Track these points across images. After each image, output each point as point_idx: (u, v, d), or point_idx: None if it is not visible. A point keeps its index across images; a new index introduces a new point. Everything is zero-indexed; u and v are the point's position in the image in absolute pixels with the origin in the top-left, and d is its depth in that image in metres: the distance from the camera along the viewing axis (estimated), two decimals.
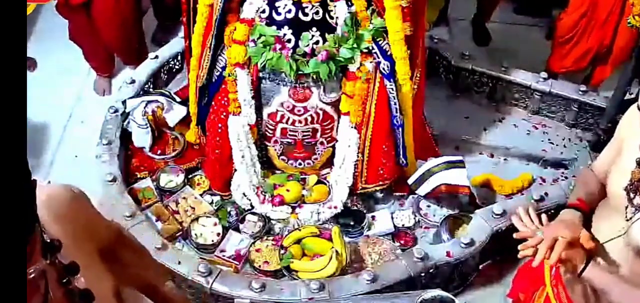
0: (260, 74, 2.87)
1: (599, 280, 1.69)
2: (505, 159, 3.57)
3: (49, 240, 1.08)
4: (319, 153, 3.13)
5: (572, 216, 1.85)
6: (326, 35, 2.77)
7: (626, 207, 1.69)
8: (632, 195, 1.69)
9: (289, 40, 2.76)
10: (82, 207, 1.34)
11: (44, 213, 1.09)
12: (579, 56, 3.80)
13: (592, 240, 1.73)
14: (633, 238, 1.66)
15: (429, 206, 3.21)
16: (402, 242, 3.06)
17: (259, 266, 2.90)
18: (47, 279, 1.15)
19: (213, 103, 3.02)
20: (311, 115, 2.95)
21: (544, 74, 3.72)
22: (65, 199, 1.28)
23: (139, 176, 3.25)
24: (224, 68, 2.90)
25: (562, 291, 1.98)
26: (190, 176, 3.29)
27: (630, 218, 1.68)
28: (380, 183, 3.14)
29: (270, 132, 3.05)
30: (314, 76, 2.80)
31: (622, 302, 1.66)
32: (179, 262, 2.75)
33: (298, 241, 2.95)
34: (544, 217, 1.86)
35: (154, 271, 1.72)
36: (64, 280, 1.15)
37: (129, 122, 3.35)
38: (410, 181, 3.18)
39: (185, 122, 3.39)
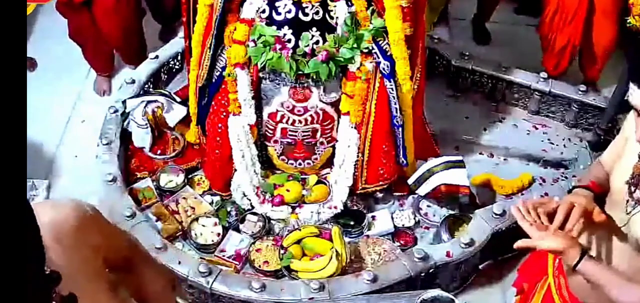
0: (260, 74, 2.87)
1: (593, 274, 1.68)
2: (505, 159, 3.57)
3: (48, 271, 1.02)
4: (319, 153, 3.13)
5: (583, 192, 1.83)
6: (326, 35, 2.77)
7: (627, 201, 1.71)
8: (632, 189, 1.70)
9: (289, 40, 2.76)
10: (90, 230, 1.23)
11: (47, 238, 1.01)
12: (558, 53, 3.82)
13: (602, 213, 1.74)
14: (632, 231, 1.67)
15: (429, 206, 3.22)
16: (402, 242, 3.06)
17: (259, 266, 2.90)
18: None
19: (213, 103, 3.02)
20: (311, 115, 2.95)
21: (544, 74, 3.72)
22: (71, 226, 1.17)
23: (139, 176, 3.25)
24: (224, 68, 2.90)
25: (562, 282, 1.99)
26: (190, 176, 3.29)
27: (630, 212, 1.69)
28: (380, 183, 3.14)
29: (270, 132, 3.05)
30: (314, 76, 2.80)
31: (616, 296, 1.66)
32: (179, 262, 2.76)
33: (298, 241, 2.95)
34: (543, 217, 1.85)
35: (164, 286, 1.62)
36: None
37: (129, 122, 3.35)
38: (410, 181, 3.18)
39: (185, 122, 3.39)
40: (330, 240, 2.90)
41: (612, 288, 1.65)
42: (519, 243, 1.73)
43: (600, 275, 1.67)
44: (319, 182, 3.15)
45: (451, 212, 3.16)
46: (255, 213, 3.10)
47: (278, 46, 2.73)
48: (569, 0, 3.63)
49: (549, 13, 3.74)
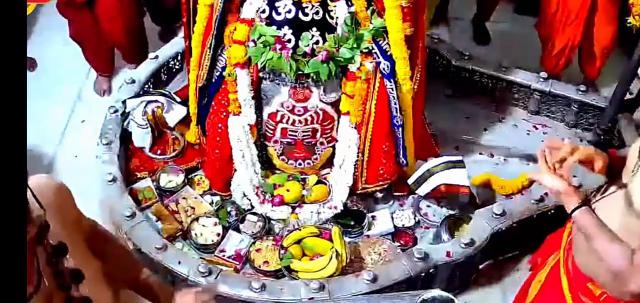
0: (260, 74, 2.87)
1: (584, 225, 1.79)
2: (505, 159, 3.57)
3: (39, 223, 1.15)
4: (319, 153, 3.13)
5: (599, 150, 1.95)
6: (326, 35, 2.77)
7: (635, 163, 1.76)
8: None
9: (289, 40, 2.76)
10: (67, 197, 1.44)
11: (33, 200, 1.17)
12: (558, 53, 3.81)
13: (602, 169, 1.88)
14: (630, 190, 1.74)
15: (429, 206, 3.22)
16: (402, 242, 3.06)
17: (259, 266, 2.90)
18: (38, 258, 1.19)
19: (213, 103, 3.02)
20: (311, 115, 2.95)
21: (544, 74, 3.72)
22: (51, 188, 1.37)
23: (139, 176, 3.25)
24: (224, 68, 2.90)
25: (570, 257, 2.04)
26: (190, 176, 3.29)
27: (634, 172, 1.75)
28: (380, 183, 3.14)
29: (270, 132, 3.05)
30: (314, 76, 2.80)
31: (601, 251, 1.76)
32: (179, 262, 2.76)
33: (298, 241, 2.95)
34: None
35: (130, 261, 1.80)
36: (53, 260, 1.24)
37: (129, 122, 3.35)
38: (410, 181, 3.18)
39: (185, 122, 3.39)
40: (330, 240, 2.90)
41: (599, 242, 1.75)
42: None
43: (591, 229, 1.77)
44: (319, 182, 3.15)
45: (451, 212, 3.16)
46: (255, 213, 3.10)
47: (278, 46, 2.73)
48: (572, 0, 3.63)
49: (548, 13, 3.75)
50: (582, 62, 3.94)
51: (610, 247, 1.74)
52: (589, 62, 3.88)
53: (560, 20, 3.71)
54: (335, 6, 2.77)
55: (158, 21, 4.29)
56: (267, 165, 3.18)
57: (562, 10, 3.67)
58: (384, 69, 2.85)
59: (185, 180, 3.24)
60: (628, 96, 3.48)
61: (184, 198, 3.18)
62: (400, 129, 3.02)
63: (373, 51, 2.82)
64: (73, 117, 3.88)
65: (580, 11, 3.63)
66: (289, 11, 2.75)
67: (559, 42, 3.77)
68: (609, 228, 1.77)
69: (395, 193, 3.27)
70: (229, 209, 3.13)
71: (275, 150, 3.11)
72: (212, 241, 2.99)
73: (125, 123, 3.35)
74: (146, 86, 3.55)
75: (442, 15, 4.45)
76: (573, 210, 1.80)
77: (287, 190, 3.09)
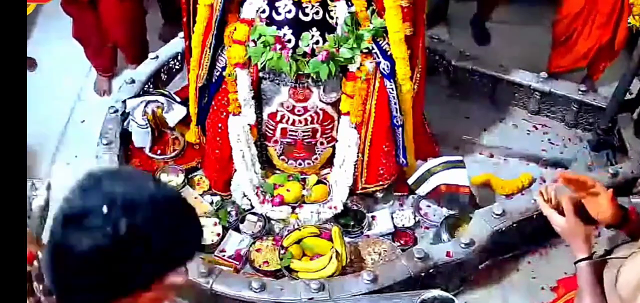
0: (260, 74, 2.87)
1: (583, 280, 1.63)
2: (505, 159, 3.57)
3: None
4: (319, 153, 3.13)
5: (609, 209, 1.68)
6: (326, 35, 2.77)
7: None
8: None
9: (289, 40, 2.76)
10: None
11: None
12: (580, 56, 3.80)
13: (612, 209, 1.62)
14: (620, 270, 1.58)
15: (429, 206, 3.21)
16: (402, 242, 3.06)
17: (259, 266, 2.90)
18: None
19: (213, 103, 3.02)
20: (311, 115, 2.95)
21: (544, 74, 3.71)
22: None
23: None
24: (224, 68, 2.90)
25: None
26: (190, 176, 3.29)
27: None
28: (380, 183, 3.14)
29: (270, 132, 3.05)
30: (314, 76, 2.80)
31: None
32: None
33: (298, 241, 2.95)
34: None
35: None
36: None
37: (129, 122, 3.35)
38: (410, 181, 3.19)
39: (185, 122, 3.39)
40: (330, 240, 2.90)
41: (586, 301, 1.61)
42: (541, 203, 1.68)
43: (586, 288, 1.62)
44: (319, 182, 3.15)
45: (451, 212, 3.16)
46: (255, 213, 3.10)
47: (278, 46, 2.73)
48: (603, 2, 3.59)
49: (571, 12, 3.70)
50: (594, 61, 3.88)
51: None
52: (600, 62, 3.86)
53: (586, 21, 3.66)
54: (335, 6, 2.77)
55: (167, 17, 4.30)
56: (267, 165, 3.18)
57: (588, 11, 3.62)
58: (384, 69, 2.85)
59: (185, 180, 3.23)
60: (628, 96, 3.48)
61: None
62: (400, 129, 3.02)
63: (373, 51, 2.82)
64: (73, 117, 3.88)
65: (612, 13, 3.59)
66: (289, 11, 2.75)
67: (584, 43, 3.72)
68: (602, 293, 1.62)
69: (395, 193, 3.27)
70: (229, 209, 3.13)
71: (275, 150, 3.11)
72: (212, 241, 2.99)
73: (125, 123, 3.35)
74: (146, 86, 3.55)
75: (441, 15, 4.45)
76: (578, 261, 1.63)
77: (287, 190, 3.09)
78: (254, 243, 2.99)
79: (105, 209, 1.05)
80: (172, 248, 1.11)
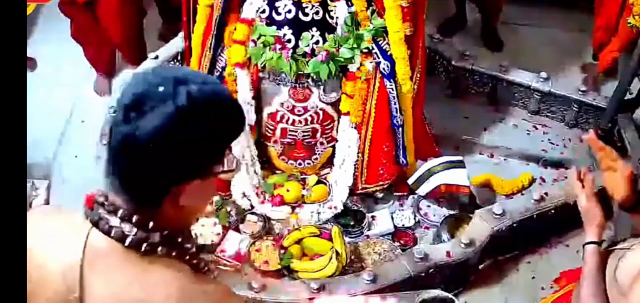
0: (260, 74, 2.87)
1: (586, 264, 1.66)
2: (505, 159, 3.57)
3: None
4: (319, 153, 3.13)
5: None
6: (326, 35, 2.77)
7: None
8: None
9: (289, 40, 2.76)
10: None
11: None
12: (610, 53, 3.74)
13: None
14: (619, 263, 1.61)
15: (429, 206, 3.21)
16: (402, 242, 3.06)
17: (259, 266, 2.90)
18: None
19: None
20: (311, 115, 2.95)
21: (543, 74, 3.71)
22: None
23: None
24: (224, 68, 2.90)
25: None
26: None
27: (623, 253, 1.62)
28: (380, 183, 3.14)
29: (270, 132, 3.05)
30: (314, 76, 2.80)
31: (581, 297, 1.63)
32: None
33: (298, 241, 2.95)
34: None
35: None
36: None
37: None
38: (410, 181, 3.18)
39: None
40: (330, 240, 2.90)
41: (583, 289, 1.64)
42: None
43: (588, 272, 1.64)
44: (319, 182, 3.15)
45: (451, 212, 3.16)
46: (255, 213, 3.10)
47: (278, 46, 2.73)
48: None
49: (602, 23, 3.68)
50: (602, 49, 3.83)
51: (587, 300, 1.62)
52: (607, 50, 3.78)
53: (619, 21, 3.61)
54: (335, 6, 2.77)
55: (166, 17, 4.30)
56: (267, 165, 3.18)
57: (627, 11, 3.55)
58: (384, 69, 2.85)
59: None
60: (628, 96, 3.48)
61: None
62: (400, 129, 3.02)
63: (373, 51, 2.82)
64: (73, 117, 3.88)
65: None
66: (289, 11, 2.75)
67: (616, 42, 3.68)
68: (602, 281, 1.64)
69: (395, 193, 3.26)
70: (229, 209, 3.13)
71: (275, 150, 3.11)
72: (212, 241, 2.99)
73: None
74: None
75: (461, 24, 4.36)
76: (586, 243, 1.66)
77: (287, 190, 3.09)
78: (254, 243, 2.99)
79: (161, 88, 1.08)
80: (224, 122, 1.15)
